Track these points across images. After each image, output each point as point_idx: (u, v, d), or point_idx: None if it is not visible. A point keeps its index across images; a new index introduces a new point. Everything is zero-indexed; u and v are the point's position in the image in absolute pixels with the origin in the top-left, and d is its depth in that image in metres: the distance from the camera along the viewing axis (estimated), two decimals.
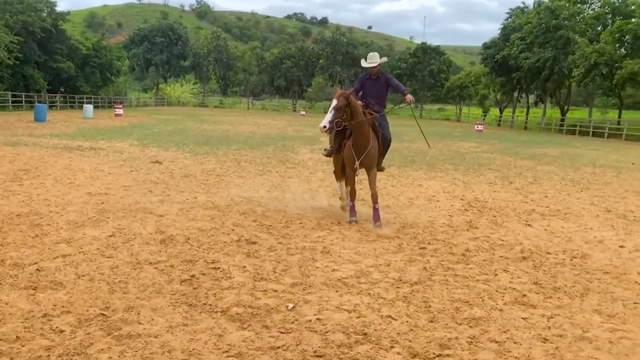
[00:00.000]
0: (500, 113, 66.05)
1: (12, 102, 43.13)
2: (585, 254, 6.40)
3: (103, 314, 4.03)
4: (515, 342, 3.86)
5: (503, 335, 3.98)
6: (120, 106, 43.25)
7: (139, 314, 4.07)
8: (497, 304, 4.63)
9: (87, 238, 6.18)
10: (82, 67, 57.31)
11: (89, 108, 37.79)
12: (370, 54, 7.81)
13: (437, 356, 3.59)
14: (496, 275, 5.47)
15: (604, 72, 40.05)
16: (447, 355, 3.61)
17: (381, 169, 8.04)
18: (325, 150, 8.27)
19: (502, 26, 60.58)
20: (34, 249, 5.64)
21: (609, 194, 11.34)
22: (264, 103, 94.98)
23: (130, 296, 4.44)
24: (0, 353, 3.36)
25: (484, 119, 63.56)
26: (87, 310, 4.08)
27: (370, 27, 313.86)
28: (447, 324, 4.14)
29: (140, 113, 51.08)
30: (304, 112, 71.73)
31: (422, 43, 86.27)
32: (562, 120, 50.16)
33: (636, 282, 5.44)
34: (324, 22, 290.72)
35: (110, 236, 6.30)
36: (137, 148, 16.88)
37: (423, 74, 79.66)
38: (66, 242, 5.97)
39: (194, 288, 4.71)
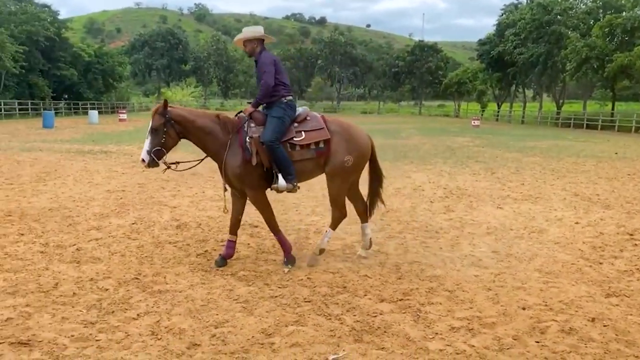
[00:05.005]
0: (498, 108, 67.02)
1: (18, 110, 44.28)
2: (542, 229, 7.41)
3: (137, 278, 5.07)
4: (464, 291, 4.89)
5: (455, 286, 5.01)
6: (124, 111, 44.44)
7: (165, 277, 5.12)
8: (455, 266, 5.66)
9: (113, 225, 7.23)
10: (85, 74, 58.46)
11: (94, 114, 38.96)
12: (246, 27, 5.90)
13: (400, 300, 4.62)
14: (461, 246, 6.50)
15: (595, 66, 41.03)
16: (408, 299, 4.64)
17: (276, 189, 5.45)
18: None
19: (497, 22, 61.59)
20: (70, 235, 6.69)
21: (582, 180, 12.33)
22: None
23: (156, 266, 5.49)
24: (64, 303, 4.40)
25: (482, 115, 64.52)
26: (124, 276, 5.13)
27: (369, 26, 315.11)
28: (411, 280, 5.17)
29: (143, 117, 52.14)
30: None
31: (420, 41, 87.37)
32: (558, 113, 51.11)
33: (579, 249, 6.45)
34: (322, 22, 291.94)
35: (133, 224, 7.35)
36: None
37: (421, 72, 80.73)
38: (96, 229, 7.02)
39: (208, 260, 5.75)
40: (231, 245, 5.66)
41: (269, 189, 5.57)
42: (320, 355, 3.58)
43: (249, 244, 6.46)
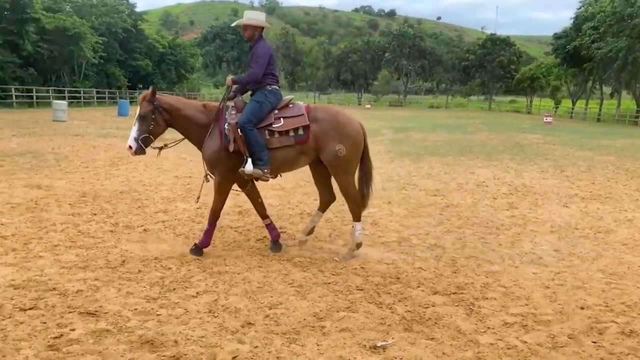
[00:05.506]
0: (573, 105, 64.15)
1: (96, 98, 46.62)
2: (610, 230, 7.12)
3: (198, 259, 5.30)
4: (520, 288, 4.80)
5: (512, 283, 4.92)
6: None
7: (225, 259, 5.32)
8: (514, 263, 5.55)
9: (179, 209, 7.55)
10: (159, 65, 60.82)
11: None
12: (248, 11, 5.69)
13: (453, 293, 4.59)
14: (521, 243, 6.35)
15: None
16: (462, 293, 4.61)
17: (242, 172, 5.27)
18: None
19: (574, 15, 58.81)
20: (139, 216, 7.05)
21: None
22: (329, 97, 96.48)
23: (217, 249, 5.71)
24: (129, 279, 4.68)
25: (555, 112, 62.00)
26: (187, 257, 5.37)
27: (439, 18, 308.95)
28: (466, 274, 5.12)
29: None
30: (369, 106, 72.51)
31: (491, 34, 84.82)
32: (638, 112, 48.34)
33: None
34: (391, 14, 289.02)
35: (198, 208, 7.64)
36: None
37: (492, 65, 78.36)
38: (163, 212, 7.36)
39: (266, 245, 5.91)
40: (271, 227, 5.79)
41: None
42: (369, 341, 3.64)
43: None
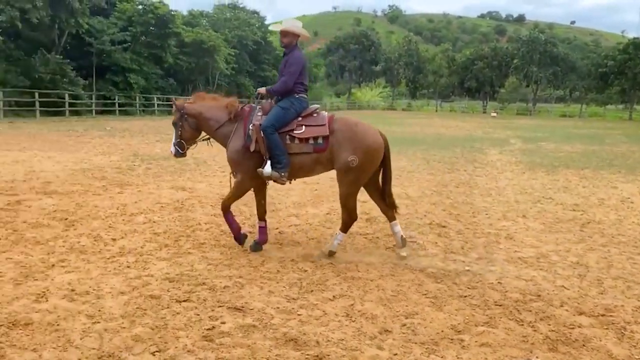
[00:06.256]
0: None
1: None
2: None
3: (331, 263, 5.44)
4: None
5: None
6: None
7: (357, 265, 5.41)
8: None
9: (309, 214, 7.81)
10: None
11: None
12: (286, 19, 6.02)
13: (601, 315, 4.29)
14: None
15: None
16: (611, 315, 4.29)
17: (261, 173, 5.53)
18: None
19: None
20: (273, 219, 7.38)
21: None
22: (452, 105, 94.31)
23: (348, 254, 5.82)
24: (270, 278, 4.92)
25: None
26: (321, 260, 5.54)
27: (573, 22, 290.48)
28: (615, 296, 4.76)
29: None
30: (495, 114, 69.86)
31: (634, 38, 77.96)
32: None
33: None
34: (520, 19, 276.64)
35: (327, 214, 7.85)
36: None
37: (634, 72, 71.96)
38: (295, 216, 7.65)
39: (394, 252, 5.92)
40: (262, 231, 5.93)
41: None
42: (511, 357, 3.52)
43: (436, 242, 6.49)
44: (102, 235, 6.16)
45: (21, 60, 32.83)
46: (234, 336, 3.68)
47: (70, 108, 32.65)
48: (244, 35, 54.05)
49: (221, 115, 5.79)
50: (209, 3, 70.14)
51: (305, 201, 8.76)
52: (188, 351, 3.45)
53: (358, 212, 7.98)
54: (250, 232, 6.41)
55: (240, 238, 5.93)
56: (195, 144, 6.08)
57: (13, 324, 3.74)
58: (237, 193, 5.83)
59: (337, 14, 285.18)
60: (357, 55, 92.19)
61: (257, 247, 5.84)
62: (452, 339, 3.77)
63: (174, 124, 5.89)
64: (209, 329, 3.77)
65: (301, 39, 5.89)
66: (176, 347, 3.49)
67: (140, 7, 41.21)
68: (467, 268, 5.46)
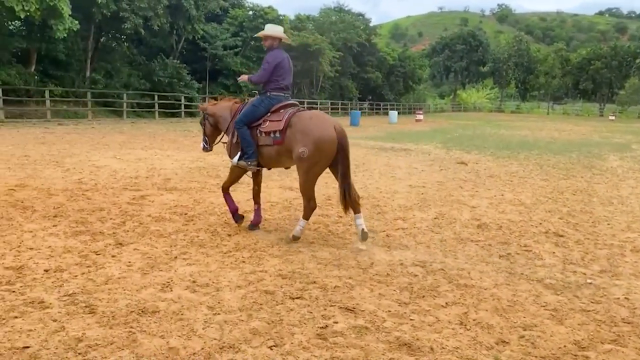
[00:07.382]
0: None
1: (330, 109, 50.15)
2: None
3: (442, 269, 5.33)
4: None
5: None
6: (420, 112, 46.62)
7: (469, 273, 5.26)
8: None
9: (417, 218, 7.70)
10: (388, 77, 62.93)
11: (394, 114, 41.84)
12: (269, 25, 6.76)
13: None
14: None
15: None
16: None
17: (240, 165, 6.38)
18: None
19: None
20: (380, 222, 7.37)
21: None
22: (565, 108, 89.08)
23: (459, 261, 5.67)
24: (379, 281, 4.91)
25: None
26: (430, 265, 5.44)
27: None
28: None
29: (438, 118, 53.74)
30: (612, 117, 65.18)
31: None
32: None
33: None
34: None
35: (435, 218, 7.70)
36: (441, 150, 18.49)
37: None
38: (402, 220, 7.58)
39: (511, 262, 5.69)
40: (257, 213, 6.66)
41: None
42: None
43: (554, 252, 6.16)
44: (218, 231, 6.48)
45: (142, 64, 35.44)
46: (347, 336, 3.71)
47: (186, 110, 34.72)
48: (349, 37, 54.42)
49: (227, 114, 6.69)
50: (315, 7, 71.41)
51: (412, 205, 8.66)
52: (303, 348, 3.53)
53: (468, 216, 7.82)
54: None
55: (236, 217, 6.67)
56: (219, 140, 7.02)
57: (142, 311, 4.03)
58: (231, 177, 6.69)
59: (443, 14, 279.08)
60: (464, 55, 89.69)
61: (253, 227, 6.56)
62: (575, 355, 3.56)
63: (200, 123, 7.07)
64: (322, 327, 3.83)
65: (284, 41, 6.64)
66: (292, 343, 3.58)
67: (250, 12, 42.87)
68: (589, 281, 5.14)
